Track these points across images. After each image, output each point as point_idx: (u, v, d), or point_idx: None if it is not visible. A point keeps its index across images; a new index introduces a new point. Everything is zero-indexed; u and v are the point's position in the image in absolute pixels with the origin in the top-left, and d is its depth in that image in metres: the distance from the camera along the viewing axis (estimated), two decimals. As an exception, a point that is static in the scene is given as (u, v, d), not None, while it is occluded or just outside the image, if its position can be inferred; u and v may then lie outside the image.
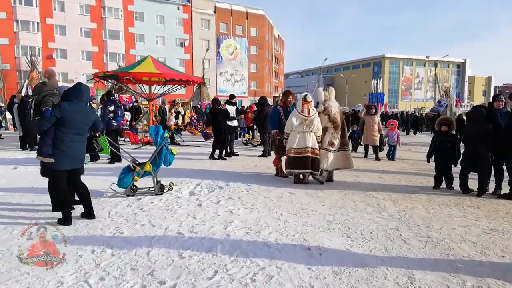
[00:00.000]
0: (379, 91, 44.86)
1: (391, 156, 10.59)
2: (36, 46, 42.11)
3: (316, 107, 7.06)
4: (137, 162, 5.75)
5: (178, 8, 51.08)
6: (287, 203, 5.26)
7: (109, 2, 46.14)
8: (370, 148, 11.09)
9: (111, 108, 8.82)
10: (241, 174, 7.74)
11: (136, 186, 5.70)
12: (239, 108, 17.76)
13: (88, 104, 4.55)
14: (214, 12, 53.68)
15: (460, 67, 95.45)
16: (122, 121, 9.80)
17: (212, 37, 53.72)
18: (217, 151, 9.75)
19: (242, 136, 16.23)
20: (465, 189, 6.12)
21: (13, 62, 40.99)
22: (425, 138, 20.32)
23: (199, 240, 3.74)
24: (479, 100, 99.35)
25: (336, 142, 6.69)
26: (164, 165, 5.64)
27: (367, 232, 4.08)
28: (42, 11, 42.30)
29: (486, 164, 5.94)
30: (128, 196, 5.49)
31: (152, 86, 15.00)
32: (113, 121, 8.82)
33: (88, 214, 4.40)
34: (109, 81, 15.73)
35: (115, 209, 4.87)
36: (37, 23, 42.37)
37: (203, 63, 47.00)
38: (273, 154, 10.10)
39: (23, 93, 18.54)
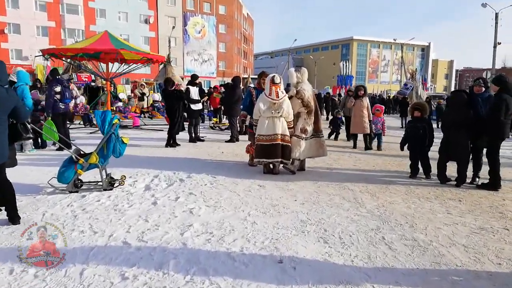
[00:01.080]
0: (348, 74, 45.12)
1: (377, 145, 9.42)
2: (-16, 19, 38.68)
3: (287, 90, 6.46)
4: (81, 153, 4.95)
5: (142, -18, 48.36)
6: (256, 199, 4.68)
7: (66, -26, 42.93)
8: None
9: (57, 88, 7.78)
10: (206, 163, 7.07)
11: (80, 181, 4.92)
12: (205, 89, 16.89)
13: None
14: (181, -13, 51.28)
15: (425, 51, 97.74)
16: (71, 104, 8.74)
17: (179, 14, 51.48)
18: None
19: (209, 120, 15.43)
20: (443, 179, 5.78)
21: (-42, 37, 37.50)
22: (393, 121, 20.28)
23: (148, 253, 3.08)
24: (442, 83, 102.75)
25: (310, 128, 6.14)
26: (114, 156, 4.87)
27: (346, 234, 3.57)
28: (-9, -19, 38.71)
29: (466, 153, 5.60)
30: (70, 192, 4.71)
31: (110, 65, 13.83)
32: (60, 103, 7.81)
33: (12, 218, 3.62)
34: (64, 58, 14.30)
35: (51, 210, 4.09)
36: (-15, -6, 38.79)
37: (169, 41, 44.92)
38: (243, 140, 9.48)
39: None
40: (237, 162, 7.20)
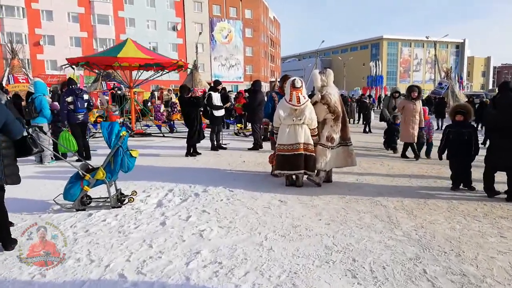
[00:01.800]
0: (378, 74, 43.65)
1: (426, 152, 8.33)
2: (22, 32, 40.41)
3: (312, 94, 5.94)
4: (89, 167, 4.66)
5: (169, -10, 49.14)
6: (275, 218, 4.19)
7: (96, -15, 44.29)
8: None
9: (69, 99, 7.62)
10: (225, 173, 6.66)
11: (89, 197, 4.62)
12: (232, 94, 16.57)
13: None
14: (207, -7, 51.67)
15: (459, 48, 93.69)
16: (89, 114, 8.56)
17: (205, 20, 51.86)
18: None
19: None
20: (491, 193, 5.06)
21: (-2, 50, 39.39)
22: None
23: (145, 289, 2.68)
24: (478, 81, 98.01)
25: (336, 136, 5.58)
26: (122, 171, 4.53)
27: (378, 266, 3.02)
28: (27, -4, 40.51)
29: (518, 162, 4.86)
30: (77, 210, 4.41)
31: (134, 72, 13.82)
32: (75, 113, 7.65)
33: (3, 244, 3.33)
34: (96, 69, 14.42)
35: (53, 232, 3.79)
36: (22, 8, 40.54)
37: (196, 47, 45.38)
38: (266, 147, 9.05)
39: (4, 82, 17.29)
40: (259, 173, 6.74)
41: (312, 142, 5.41)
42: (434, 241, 3.52)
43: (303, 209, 4.52)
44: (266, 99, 10.55)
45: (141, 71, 13.21)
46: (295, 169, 5.35)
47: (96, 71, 19.64)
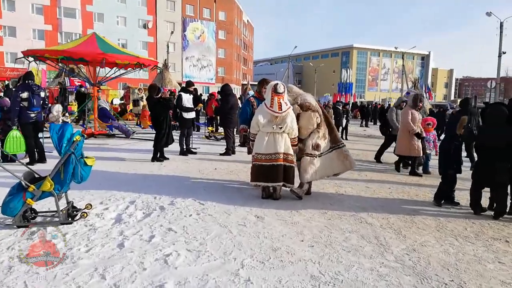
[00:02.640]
0: (348, 81, 44.32)
1: (423, 168, 7.56)
2: (-20, 22, 37.89)
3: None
4: (35, 176, 3.97)
5: (141, -13, 47.70)
6: (252, 238, 3.69)
7: (64, -23, 42.25)
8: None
9: (24, 95, 6.79)
10: (195, 182, 6.09)
11: (34, 211, 3.93)
12: (200, 95, 15.96)
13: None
14: (180, -8, 50.62)
15: (424, 59, 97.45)
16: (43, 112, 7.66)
17: (178, 20, 50.75)
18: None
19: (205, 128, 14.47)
20: (477, 210, 4.82)
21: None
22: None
23: None
24: (441, 92, 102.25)
25: (323, 142, 5.17)
26: (74, 181, 3.89)
27: (374, 302, 2.59)
28: (-14, -16, 38.00)
29: (506, 178, 4.64)
30: (19, 227, 3.72)
31: (102, 69, 12.90)
32: (28, 111, 6.83)
33: None
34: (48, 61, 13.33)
35: (-18, 256, 3.11)
36: (-20, -4, 38.06)
37: (168, 46, 44.22)
38: (239, 152, 8.60)
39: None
40: (231, 181, 6.23)
41: (292, 152, 4.98)
42: (430, 269, 3.15)
43: (282, 226, 4.06)
44: (239, 103, 10.08)
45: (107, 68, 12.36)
46: (273, 180, 4.88)
47: (60, 64, 18.47)
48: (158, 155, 7.82)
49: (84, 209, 4.13)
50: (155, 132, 7.78)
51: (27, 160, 7.03)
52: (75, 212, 4.01)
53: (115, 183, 5.75)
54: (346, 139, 14.05)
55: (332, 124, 5.44)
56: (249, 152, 5.83)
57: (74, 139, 3.77)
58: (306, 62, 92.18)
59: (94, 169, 6.60)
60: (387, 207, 4.99)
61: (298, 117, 5.03)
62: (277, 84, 4.96)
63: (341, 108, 14.18)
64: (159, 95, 7.80)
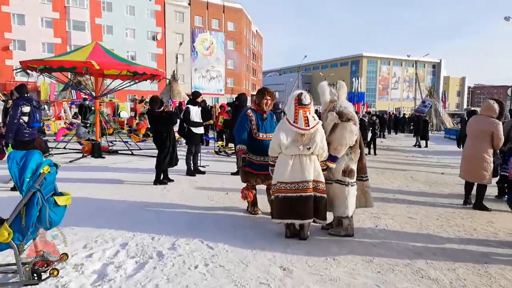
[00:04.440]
0: (359, 90, 43.34)
1: (508, 200, 5.58)
2: (-10, 35, 37.96)
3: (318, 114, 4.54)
4: (-5, 219, 3.01)
5: (150, -1, 47.60)
6: (280, 308, 2.67)
7: (73, -10, 42.35)
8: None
9: (26, 109, 5.93)
10: (202, 214, 5.08)
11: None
12: (210, 108, 15.06)
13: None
14: (189, 4, 50.43)
15: (436, 67, 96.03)
16: (40, 128, 6.84)
17: (187, 31, 50.46)
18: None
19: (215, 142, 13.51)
20: None
21: (-38, 53, 36.76)
22: (408, 140, 17.74)
23: None
24: (454, 100, 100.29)
25: (355, 168, 4.14)
26: (42, 227, 2.92)
27: None
28: (-5, -2, 38.19)
29: None
30: (-36, 291, 2.76)
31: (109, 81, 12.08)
32: (26, 129, 5.97)
33: None
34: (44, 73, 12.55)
35: None
36: (-10, 10, 38.20)
37: (177, 58, 43.87)
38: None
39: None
40: (246, 212, 5.20)
41: (323, 180, 3.95)
42: None
43: (318, 286, 3.02)
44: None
45: (110, 79, 11.56)
46: (301, 217, 3.85)
47: (69, 77, 17.74)
48: (162, 177, 6.85)
49: (56, 261, 3.14)
50: (157, 150, 6.83)
51: (12, 184, 6.14)
52: (44, 268, 3.02)
53: (107, 215, 4.79)
54: (375, 154, 12.89)
55: (363, 149, 4.37)
56: (244, 180, 4.86)
57: (41, 172, 2.81)
58: (315, 71, 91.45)
59: (85, 196, 5.76)
60: (447, 250, 3.91)
61: (333, 128, 4.01)
62: (302, 94, 3.96)
63: (367, 120, 12.63)
64: (161, 108, 6.87)
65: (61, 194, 3.05)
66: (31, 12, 40.11)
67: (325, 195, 3.95)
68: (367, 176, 4.38)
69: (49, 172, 2.88)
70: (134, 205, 5.40)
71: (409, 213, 5.33)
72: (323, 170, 4.01)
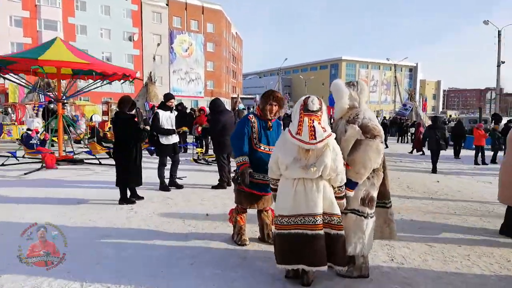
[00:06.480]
0: (339, 94, 43.16)
1: None
2: (-46, 33, 35.58)
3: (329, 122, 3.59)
4: None
5: (126, -2, 45.96)
6: None
7: (44, -13, 40.33)
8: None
9: None
10: (176, 249, 4.04)
11: None
12: (189, 112, 13.97)
13: None
14: (167, 4, 49.07)
15: (412, 71, 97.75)
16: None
17: (165, 32, 49.06)
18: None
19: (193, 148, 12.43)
20: None
21: None
22: (399, 147, 17.17)
23: None
24: (430, 103, 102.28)
25: (376, 194, 3.23)
26: None
27: None
28: (-40, -6, 35.88)
29: None
30: None
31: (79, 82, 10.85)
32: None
33: None
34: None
35: None
36: (-45, 7, 35.87)
37: (154, 59, 42.43)
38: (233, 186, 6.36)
39: None
40: (230, 241, 4.23)
41: (338, 211, 3.01)
42: None
43: None
44: (233, 119, 7.93)
45: (75, 79, 10.36)
46: (310, 263, 2.88)
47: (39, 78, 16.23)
48: (129, 195, 5.78)
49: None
50: (115, 162, 5.71)
51: None
52: None
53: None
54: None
55: (386, 170, 3.40)
56: (237, 201, 3.95)
57: None
58: (295, 74, 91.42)
59: (31, 221, 4.66)
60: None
61: (354, 146, 3.08)
62: (309, 98, 3.01)
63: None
64: (133, 110, 5.77)
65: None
66: (-2, 10, 37.96)
67: (343, 232, 3.01)
68: (390, 202, 3.44)
69: None
70: (90, 234, 4.33)
71: (425, 239, 4.48)
72: (338, 198, 3.06)
